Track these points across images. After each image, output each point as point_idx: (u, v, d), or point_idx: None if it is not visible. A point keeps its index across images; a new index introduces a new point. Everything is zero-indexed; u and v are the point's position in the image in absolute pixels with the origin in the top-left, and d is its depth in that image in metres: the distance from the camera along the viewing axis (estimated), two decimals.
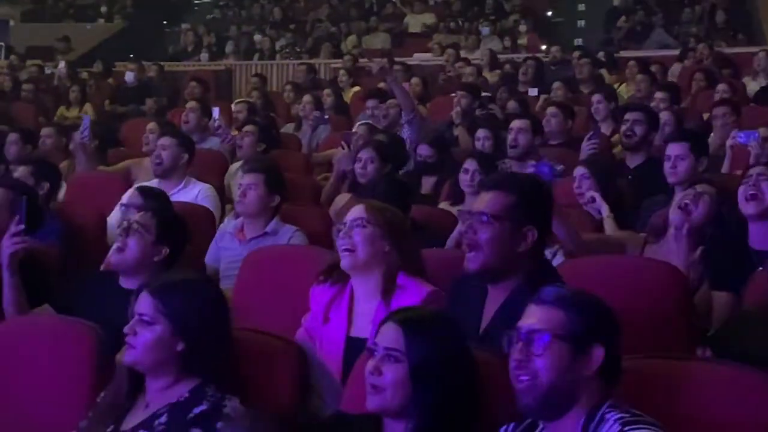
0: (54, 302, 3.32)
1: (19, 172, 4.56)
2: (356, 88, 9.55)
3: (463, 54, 11.19)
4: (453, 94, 8.73)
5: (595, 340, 1.97)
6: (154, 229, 3.24)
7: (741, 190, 3.50)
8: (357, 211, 2.91)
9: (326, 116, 7.44)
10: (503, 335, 2.07)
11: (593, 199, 4.34)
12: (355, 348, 2.72)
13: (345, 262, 2.88)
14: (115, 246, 3.39)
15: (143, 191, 4.42)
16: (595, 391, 1.98)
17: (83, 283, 3.43)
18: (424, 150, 5.59)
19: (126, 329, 2.34)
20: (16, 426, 2.60)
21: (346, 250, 2.86)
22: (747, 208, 3.44)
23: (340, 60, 11.86)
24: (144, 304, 2.34)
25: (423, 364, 2.15)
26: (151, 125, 6.35)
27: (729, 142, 5.23)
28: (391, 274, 2.86)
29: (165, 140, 5.18)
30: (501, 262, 2.53)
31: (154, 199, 4.23)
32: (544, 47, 12.42)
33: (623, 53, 11.01)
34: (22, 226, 3.29)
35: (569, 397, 1.98)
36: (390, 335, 2.20)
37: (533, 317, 2.02)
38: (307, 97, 7.77)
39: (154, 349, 2.30)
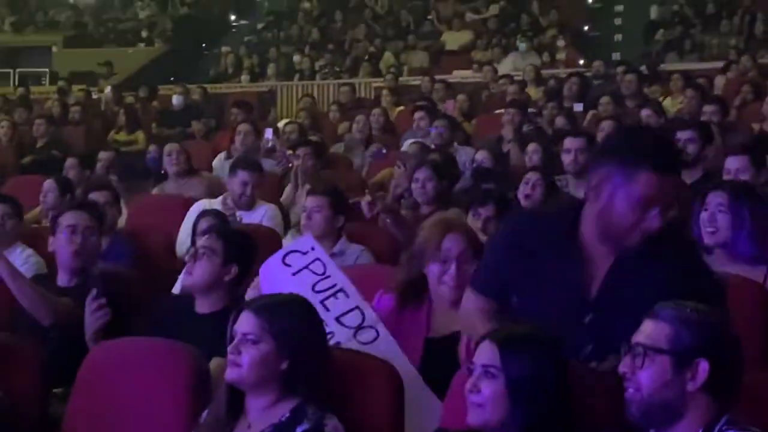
0: (133, 328, 3.38)
1: (97, 197, 4.62)
2: (400, 108, 9.63)
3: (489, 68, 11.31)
4: (497, 111, 8.83)
5: (701, 355, 2.00)
6: (221, 250, 3.31)
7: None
8: (460, 244, 2.99)
9: (384, 150, 7.46)
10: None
11: None
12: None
13: (443, 290, 3.00)
14: (185, 270, 3.46)
15: (206, 215, 4.52)
16: (707, 407, 2.02)
17: (159, 309, 3.48)
18: (481, 156, 5.70)
19: (230, 348, 2.40)
20: None
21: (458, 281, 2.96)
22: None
23: (380, 78, 11.98)
24: (248, 323, 2.41)
25: (518, 379, 2.21)
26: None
27: None
28: None
29: (245, 174, 5.18)
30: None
31: (217, 221, 4.33)
32: (582, 62, 12.48)
33: (664, 66, 11.03)
34: (103, 300, 3.27)
35: (673, 411, 2.02)
36: (486, 353, 2.26)
37: (643, 332, 2.08)
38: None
39: (259, 367, 2.37)
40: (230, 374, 2.40)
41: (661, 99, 8.76)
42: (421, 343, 2.95)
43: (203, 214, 4.62)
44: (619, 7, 15.56)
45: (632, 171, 2.30)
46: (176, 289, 4.18)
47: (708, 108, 6.90)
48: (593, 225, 2.39)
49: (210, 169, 7.06)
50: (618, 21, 15.28)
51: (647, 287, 2.30)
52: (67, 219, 3.74)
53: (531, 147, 6.17)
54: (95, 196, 4.62)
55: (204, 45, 16.53)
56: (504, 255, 2.51)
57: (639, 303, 2.25)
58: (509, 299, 2.51)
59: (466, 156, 6.57)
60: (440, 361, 2.80)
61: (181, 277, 4.19)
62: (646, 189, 2.29)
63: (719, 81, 9.40)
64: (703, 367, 2.01)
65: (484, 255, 2.70)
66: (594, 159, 2.50)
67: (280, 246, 4.74)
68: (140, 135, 9.37)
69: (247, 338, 2.39)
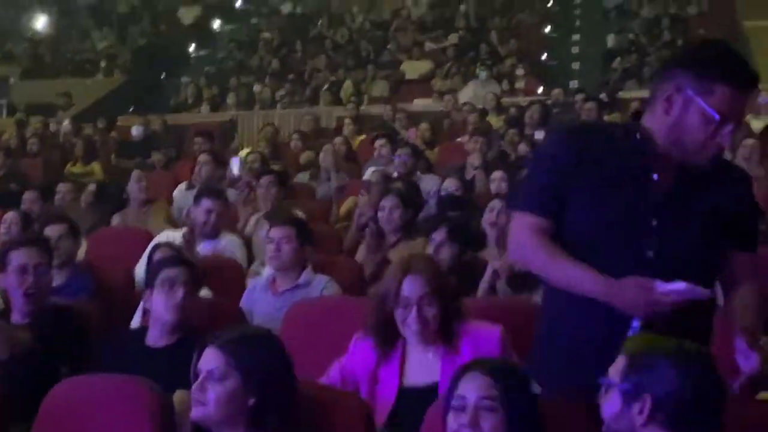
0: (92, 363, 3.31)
1: (53, 230, 4.51)
2: (362, 136, 9.62)
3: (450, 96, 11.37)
4: (459, 139, 8.87)
5: (648, 391, 1.99)
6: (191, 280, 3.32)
7: None
8: (419, 288, 2.89)
9: (346, 178, 7.41)
10: None
11: None
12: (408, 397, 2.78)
13: (410, 334, 2.91)
14: (143, 302, 3.39)
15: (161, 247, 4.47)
16: None
17: (114, 343, 3.42)
18: (450, 184, 5.66)
19: (195, 386, 2.33)
20: None
21: (420, 324, 2.88)
22: None
23: (341, 107, 11.97)
24: (213, 359, 2.33)
25: (518, 411, 2.22)
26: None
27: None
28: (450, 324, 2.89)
29: (209, 203, 5.12)
30: None
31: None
32: (540, 89, 12.58)
33: (623, 94, 11.14)
34: None
35: None
36: (481, 387, 2.25)
37: (614, 365, 2.08)
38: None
39: (226, 404, 2.30)
40: (196, 413, 2.33)
41: None
42: (395, 391, 2.87)
43: (157, 246, 4.54)
44: (576, 36, 15.76)
45: (709, 84, 2.22)
46: (135, 323, 4.09)
47: None
48: (663, 137, 2.29)
49: (171, 199, 6.99)
50: (575, 49, 15.46)
51: (713, 199, 2.31)
52: (17, 258, 3.57)
53: (496, 174, 6.19)
54: (51, 229, 4.50)
55: (163, 75, 16.42)
56: (563, 166, 2.35)
57: (704, 213, 2.28)
58: (562, 215, 2.36)
59: (430, 184, 6.56)
60: (412, 412, 2.67)
61: (139, 310, 4.11)
62: (723, 104, 2.21)
63: None
64: (647, 402, 1.99)
65: (531, 173, 2.51)
66: (665, 69, 2.34)
67: (242, 277, 4.70)
68: (96, 166, 9.26)
69: (213, 375, 2.31)
